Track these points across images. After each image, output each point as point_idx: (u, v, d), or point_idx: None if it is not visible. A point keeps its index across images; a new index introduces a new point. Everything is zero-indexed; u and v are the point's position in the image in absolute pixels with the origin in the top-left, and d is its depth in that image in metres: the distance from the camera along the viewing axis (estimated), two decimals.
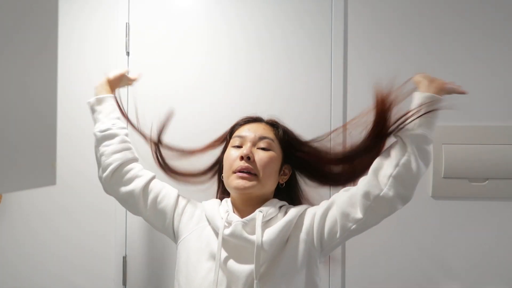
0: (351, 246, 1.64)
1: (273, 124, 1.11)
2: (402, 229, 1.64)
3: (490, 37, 1.64)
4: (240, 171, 0.99)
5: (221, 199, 1.12)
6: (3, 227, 1.73)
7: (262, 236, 0.94)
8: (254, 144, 1.02)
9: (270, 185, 1.03)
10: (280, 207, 1.04)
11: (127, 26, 1.71)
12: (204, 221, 1.05)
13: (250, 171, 0.99)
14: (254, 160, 1.00)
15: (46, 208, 1.72)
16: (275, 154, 1.03)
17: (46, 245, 1.72)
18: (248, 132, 1.05)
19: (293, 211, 1.01)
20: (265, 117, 1.15)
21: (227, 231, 0.97)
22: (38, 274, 1.72)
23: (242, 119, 1.12)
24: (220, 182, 1.14)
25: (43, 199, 1.72)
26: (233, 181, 1.00)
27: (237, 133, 1.07)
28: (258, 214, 0.98)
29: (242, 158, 1.00)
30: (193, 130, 1.67)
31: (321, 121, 1.66)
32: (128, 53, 1.71)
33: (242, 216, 1.02)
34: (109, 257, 1.69)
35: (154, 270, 1.67)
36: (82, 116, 1.73)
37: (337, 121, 1.65)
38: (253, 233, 0.96)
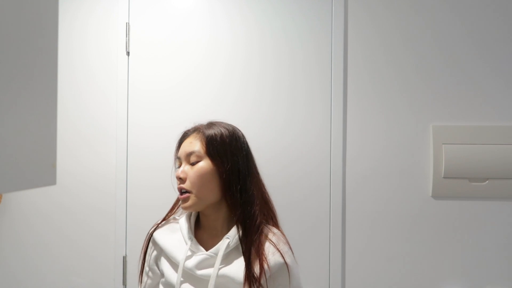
0: (351, 246, 1.65)
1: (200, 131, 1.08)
2: (402, 229, 1.64)
3: (490, 37, 1.64)
4: (180, 192, 1.04)
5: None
6: (3, 227, 1.73)
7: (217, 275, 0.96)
8: (187, 161, 1.04)
9: (210, 196, 1.02)
10: None
11: (127, 26, 1.71)
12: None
13: (187, 191, 1.02)
14: (186, 179, 1.03)
15: (46, 209, 1.72)
16: (203, 164, 1.02)
17: (46, 245, 1.72)
18: (179, 151, 1.07)
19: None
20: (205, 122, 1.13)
21: (190, 263, 0.99)
22: (38, 274, 1.72)
23: (181, 136, 1.11)
24: None
25: (43, 199, 1.72)
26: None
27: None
28: (222, 244, 0.99)
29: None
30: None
31: (321, 124, 1.66)
32: (128, 53, 1.71)
33: (210, 234, 1.05)
34: (109, 257, 1.69)
35: None
36: (82, 115, 1.74)
37: (338, 123, 1.65)
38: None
